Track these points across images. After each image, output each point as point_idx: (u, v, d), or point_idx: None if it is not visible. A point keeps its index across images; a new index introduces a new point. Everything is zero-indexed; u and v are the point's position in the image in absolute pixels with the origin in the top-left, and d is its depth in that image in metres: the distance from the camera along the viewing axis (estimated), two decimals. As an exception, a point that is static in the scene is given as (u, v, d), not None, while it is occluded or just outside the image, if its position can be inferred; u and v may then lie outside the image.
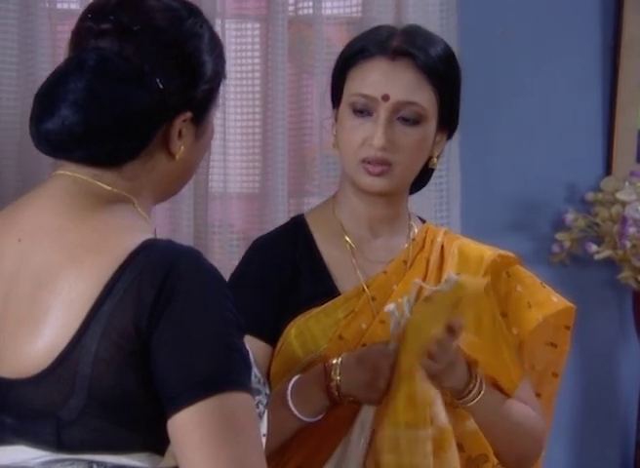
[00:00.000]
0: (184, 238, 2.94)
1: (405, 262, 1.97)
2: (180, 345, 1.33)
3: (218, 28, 2.92)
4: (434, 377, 1.85)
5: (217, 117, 3.01)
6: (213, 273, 1.40)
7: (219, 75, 1.52)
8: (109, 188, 1.44)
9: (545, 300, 1.96)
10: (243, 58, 3.06)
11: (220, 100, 3.07)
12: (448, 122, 1.97)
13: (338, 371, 1.83)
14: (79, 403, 1.34)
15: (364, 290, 1.92)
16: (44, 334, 1.36)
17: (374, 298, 1.92)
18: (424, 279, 1.92)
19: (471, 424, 1.93)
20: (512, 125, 3.25)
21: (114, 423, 1.35)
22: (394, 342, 1.84)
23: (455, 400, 1.90)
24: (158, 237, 1.44)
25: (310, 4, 3.02)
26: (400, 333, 1.85)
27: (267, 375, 1.91)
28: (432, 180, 3.05)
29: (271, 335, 1.91)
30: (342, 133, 1.93)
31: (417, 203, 3.02)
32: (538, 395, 2.00)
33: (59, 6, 2.94)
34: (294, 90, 3.00)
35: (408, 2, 3.02)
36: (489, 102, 3.21)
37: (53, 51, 2.89)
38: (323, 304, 1.91)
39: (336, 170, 3.01)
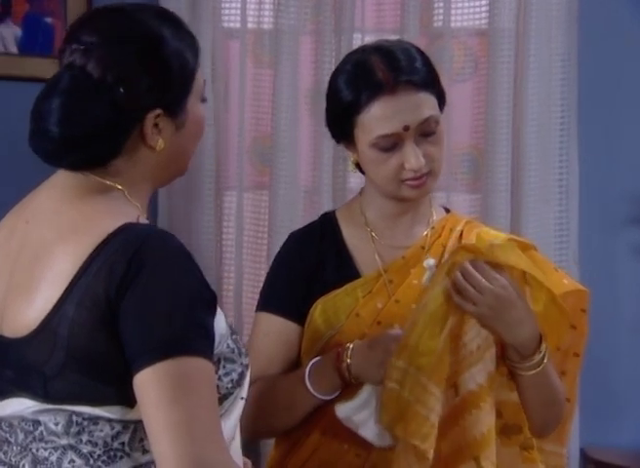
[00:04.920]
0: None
1: (423, 248, 2.03)
2: (143, 313, 1.43)
3: (358, 41, 3.06)
4: (488, 327, 1.86)
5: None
6: (179, 251, 1.48)
7: (185, 70, 1.56)
8: (100, 180, 1.55)
9: (557, 282, 1.98)
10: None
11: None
12: (442, 102, 1.96)
13: (349, 354, 1.89)
14: (60, 360, 1.46)
15: (382, 274, 1.99)
16: (35, 301, 1.48)
17: (391, 281, 1.99)
18: (439, 263, 1.95)
19: (515, 397, 1.95)
20: (630, 125, 3.27)
21: (90, 378, 1.45)
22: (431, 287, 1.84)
23: (514, 365, 1.90)
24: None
25: (441, 17, 3.13)
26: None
27: (299, 351, 1.99)
28: (553, 177, 3.25)
29: (300, 317, 1.99)
30: (371, 166, 1.96)
31: (537, 198, 3.09)
32: (563, 373, 2.01)
33: (225, 25, 3.15)
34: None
35: (531, 14, 3.09)
36: (608, 105, 3.24)
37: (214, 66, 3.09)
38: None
39: (451, 165, 3.15)
